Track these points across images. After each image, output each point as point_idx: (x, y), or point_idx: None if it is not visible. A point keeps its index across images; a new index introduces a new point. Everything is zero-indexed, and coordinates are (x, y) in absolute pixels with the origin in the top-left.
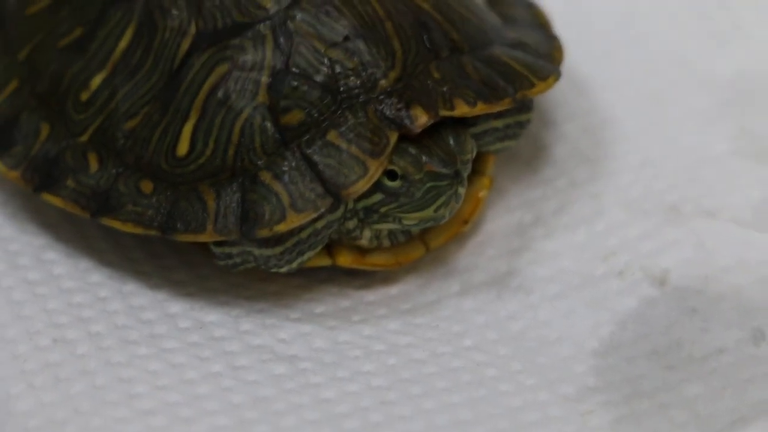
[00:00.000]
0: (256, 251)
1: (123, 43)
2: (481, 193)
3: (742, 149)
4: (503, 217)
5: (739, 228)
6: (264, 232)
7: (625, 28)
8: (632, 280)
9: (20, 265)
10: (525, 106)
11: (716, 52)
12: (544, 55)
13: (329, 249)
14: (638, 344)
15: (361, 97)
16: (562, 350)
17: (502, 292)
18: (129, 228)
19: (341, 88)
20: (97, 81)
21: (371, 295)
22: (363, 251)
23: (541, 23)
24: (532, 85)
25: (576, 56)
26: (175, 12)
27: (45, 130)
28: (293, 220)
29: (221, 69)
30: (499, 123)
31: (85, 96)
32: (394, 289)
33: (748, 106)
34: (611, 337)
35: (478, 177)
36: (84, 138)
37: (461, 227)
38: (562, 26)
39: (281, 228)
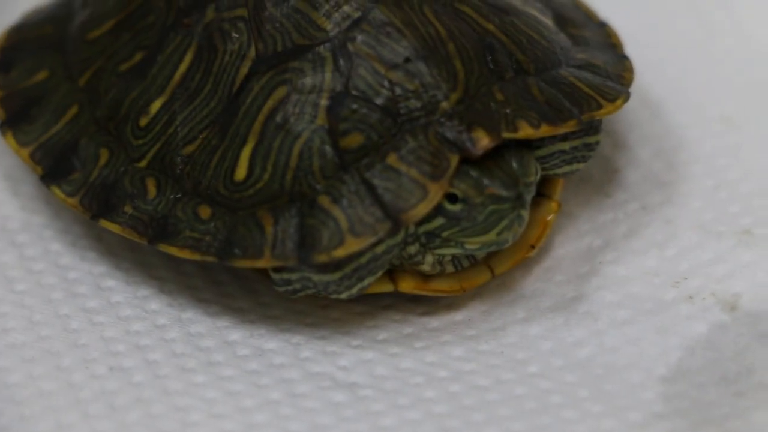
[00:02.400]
0: (315, 277)
1: (182, 68)
2: (549, 218)
3: None
4: (572, 241)
5: None
6: (322, 258)
7: (700, 50)
8: (703, 305)
9: (78, 293)
10: (593, 128)
11: None
12: (614, 76)
13: (391, 275)
14: (707, 370)
15: (422, 119)
16: (629, 377)
17: (569, 318)
18: (186, 254)
19: (401, 111)
20: (156, 106)
21: (435, 322)
22: (426, 277)
23: (612, 44)
24: (600, 107)
25: (650, 78)
26: (235, 35)
27: (104, 156)
28: (351, 245)
29: (280, 92)
30: (565, 145)
31: (144, 121)
32: (458, 315)
33: None
34: (680, 363)
35: (545, 201)
36: (142, 163)
37: (527, 252)
38: (635, 47)
39: (339, 253)
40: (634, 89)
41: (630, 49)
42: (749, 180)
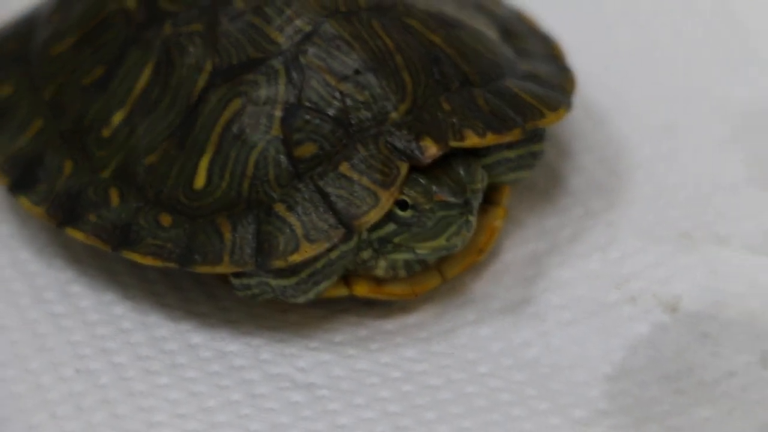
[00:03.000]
0: (273, 282)
1: (142, 81)
2: (496, 223)
3: (755, 177)
4: (519, 246)
5: (751, 254)
6: (279, 263)
7: (640, 60)
8: (645, 306)
9: (46, 299)
10: (537, 137)
11: (730, 81)
12: (556, 87)
13: (346, 279)
14: (649, 369)
15: (372, 129)
16: (574, 375)
17: (517, 320)
18: (149, 261)
19: (353, 121)
20: (117, 118)
21: (389, 324)
22: (380, 281)
23: (554, 55)
24: (543, 116)
25: (593, 88)
26: (191, 49)
27: (68, 167)
28: (307, 251)
29: (236, 104)
30: (511, 153)
31: (106, 133)
32: (411, 318)
33: (761, 135)
34: (623, 363)
35: (493, 207)
36: (106, 174)
37: (477, 257)
38: (578, 59)
39: (295, 258)
40: (577, 99)
41: (573, 60)
42: (688, 185)
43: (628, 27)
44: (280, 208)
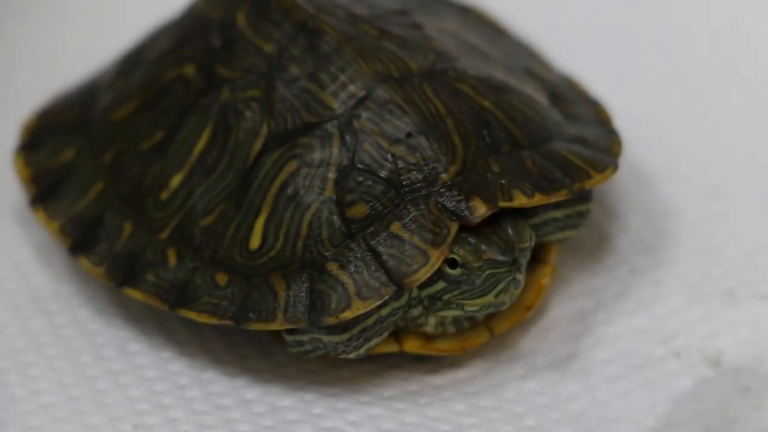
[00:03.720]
0: (325, 338)
1: (200, 145)
2: (544, 281)
3: None
4: (566, 303)
5: None
6: (331, 320)
7: (687, 123)
8: (689, 361)
9: (105, 356)
10: (584, 197)
11: None
12: (603, 149)
13: (397, 335)
14: (693, 422)
15: (423, 190)
16: (620, 429)
17: (563, 375)
18: (204, 318)
19: (404, 182)
20: (176, 181)
21: (438, 379)
22: (429, 337)
23: (601, 119)
24: (590, 177)
25: (641, 151)
26: (248, 114)
27: (127, 228)
28: (358, 308)
29: (291, 166)
30: (558, 213)
31: (164, 195)
32: (460, 373)
33: None
34: (667, 416)
35: (540, 265)
36: (164, 235)
37: (524, 313)
38: (626, 122)
39: (347, 315)
40: (623, 161)
41: (621, 123)
42: (733, 245)
43: (676, 90)
44: (332, 267)
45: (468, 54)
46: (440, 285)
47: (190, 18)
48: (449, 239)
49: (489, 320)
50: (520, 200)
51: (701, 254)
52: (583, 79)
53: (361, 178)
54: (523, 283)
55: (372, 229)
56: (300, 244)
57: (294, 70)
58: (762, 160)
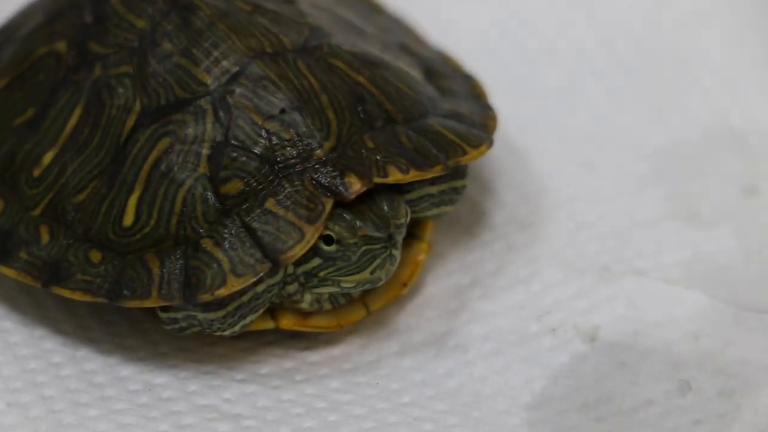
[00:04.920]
0: (200, 315)
1: (72, 121)
2: (420, 257)
3: (673, 212)
4: (442, 279)
5: (668, 286)
6: (206, 297)
7: (563, 100)
8: (565, 336)
9: None
10: (459, 173)
11: (648, 121)
12: (478, 125)
13: (272, 312)
14: (569, 398)
15: (298, 166)
16: (496, 404)
17: (440, 351)
18: (78, 296)
19: (278, 158)
20: (48, 157)
21: (314, 356)
22: (305, 314)
23: (477, 94)
24: (465, 153)
25: (516, 127)
26: (121, 90)
27: (0, 205)
28: (233, 285)
29: (164, 143)
30: (433, 189)
31: (37, 172)
32: (336, 350)
33: (679, 172)
34: (543, 391)
35: (416, 242)
36: (36, 212)
37: (400, 290)
38: (501, 98)
39: (222, 292)
40: (499, 137)
41: (496, 100)
42: (607, 221)
43: (549, 67)
44: (207, 244)
45: (342, 29)
46: (316, 262)
47: None
48: (324, 215)
49: (365, 297)
50: (395, 176)
51: (576, 230)
52: (459, 55)
53: (235, 154)
54: (399, 259)
55: (246, 205)
56: (174, 220)
57: (167, 45)
58: (636, 136)
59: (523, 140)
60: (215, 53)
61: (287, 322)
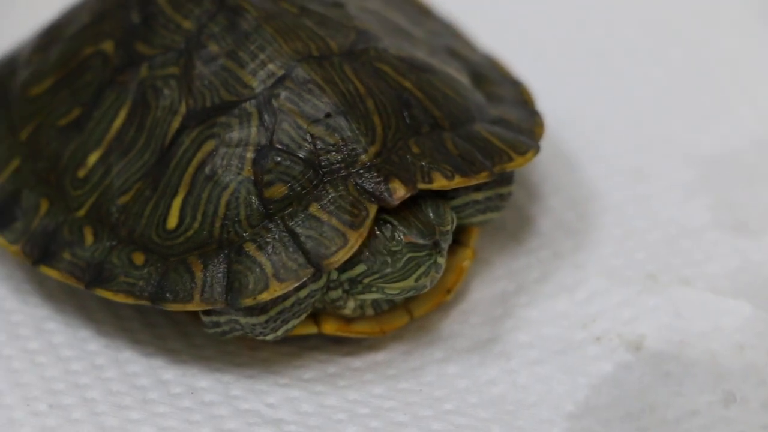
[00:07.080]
0: (242, 319)
1: (117, 122)
2: (464, 264)
3: (721, 221)
4: (487, 286)
5: (715, 295)
6: (248, 301)
7: (611, 106)
8: (609, 345)
9: (21, 335)
10: (505, 180)
11: (697, 129)
12: (526, 131)
13: (316, 318)
14: (613, 407)
15: (342, 171)
16: (539, 413)
17: (484, 358)
18: (121, 298)
19: (323, 163)
20: (93, 158)
21: (358, 362)
22: (348, 320)
23: (524, 100)
24: (511, 159)
25: (564, 133)
26: (166, 92)
27: (44, 206)
28: (276, 289)
29: (209, 145)
30: (479, 196)
31: (82, 173)
32: (379, 356)
33: (727, 181)
34: (587, 401)
35: (461, 248)
36: (81, 213)
37: (444, 296)
38: (549, 104)
39: (264, 297)
40: (546, 143)
41: (544, 105)
42: (655, 229)
43: (600, 74)
44: (250, 248)
45: (390, 33)
46: (361, 268)
47: None
48: (368, 221)
49: (408, 303)
50: (439, 182)
51: (623, 238)
52: (507, 61)
53: (279, 158)
54: (444, 267)
55: (290, 209)
56: (217, 224)
57: (213, 47)
58: (685, 143)
59: (571, 146)
60: (261, 56)
61: (330, 328)
